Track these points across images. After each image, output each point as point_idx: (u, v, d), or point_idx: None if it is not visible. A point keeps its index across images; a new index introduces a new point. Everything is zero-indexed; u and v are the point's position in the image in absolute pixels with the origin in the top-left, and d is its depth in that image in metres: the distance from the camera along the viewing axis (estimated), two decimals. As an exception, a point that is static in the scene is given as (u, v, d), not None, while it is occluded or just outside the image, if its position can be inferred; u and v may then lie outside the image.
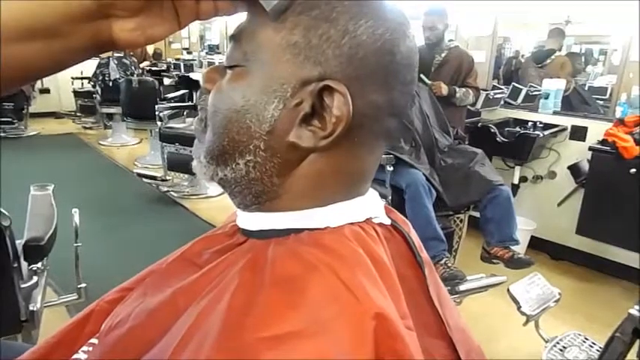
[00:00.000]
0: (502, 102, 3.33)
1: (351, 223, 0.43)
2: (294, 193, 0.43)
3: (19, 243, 1.35)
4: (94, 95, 5.65)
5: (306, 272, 0.38)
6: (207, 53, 6.93)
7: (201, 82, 0.46)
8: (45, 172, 4.21)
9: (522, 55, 5.36)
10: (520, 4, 3.61)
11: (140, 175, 3.89)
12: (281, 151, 0.41)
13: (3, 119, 5.59)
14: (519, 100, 3.33)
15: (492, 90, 3.36)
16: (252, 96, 0.41)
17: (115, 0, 0.37)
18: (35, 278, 1.31)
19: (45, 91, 6.53)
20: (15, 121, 5.72)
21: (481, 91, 2.94)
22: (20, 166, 4.45)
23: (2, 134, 5.70)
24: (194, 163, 0.47)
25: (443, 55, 2.70)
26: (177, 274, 0.47)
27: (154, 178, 3.82)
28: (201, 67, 6.26)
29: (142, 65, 5.53)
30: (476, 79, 2.76)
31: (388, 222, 0.48)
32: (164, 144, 3.79)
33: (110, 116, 5.63)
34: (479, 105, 3.05)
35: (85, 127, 6.40)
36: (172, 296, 0.44)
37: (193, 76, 5.74)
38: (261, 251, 0.42)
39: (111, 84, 5.28)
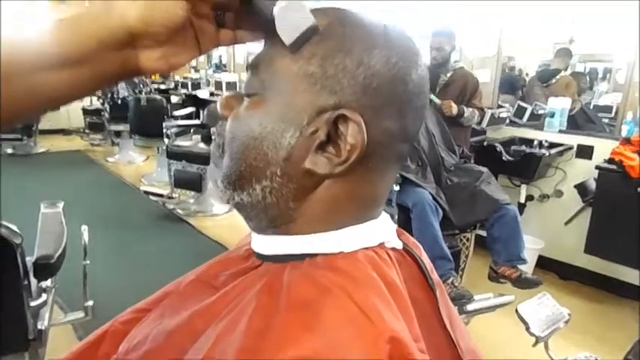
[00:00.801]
0: (507, 120, 3.35)
1: (365, 248, 0.44)
2: (309, 217, 0.44)
3: (29, 260, 1.36)
4: (102, 113, 5.73)
5: (320, 295, 0.39)
6: (213, 71, 7.02)
7: (218, 109, 0.47)
8: (53, 189, 4.24)
9: (527, 74, 5.39)
10: (524, 23, 3.64)
11: (147, 193, 3.92)
12: (297, 177, 0.42)
13: (13, 136, 5.67)
14: (525, 118, 3.35)
15: (498, 108, 3.38)
16: (270, 124, 0.42)
17: (145, 31, 0.39)
18: (44, 296, 1.31)
19: (54, 108, 6.60)
20: (24, 138, 5.80)
21: (486, 110, 2.96)
22: (30, 183, 4.50)
23: (12, 151, 5.78)
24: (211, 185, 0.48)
25: (448, 75, 2.73)
26: (194, 297, 0.48)
27: (160, 195, 3.85)
28: (208, 85, 6.34)
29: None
30: (481, 100, 2.78)
31: (400, 245, 0.48)
32: (171, 161, 3.82)
33: (118, 133, 5.71)
34: (484, 124, 3.06)
35: (93, 144, 6.48)
36: (190, 318, 0.45)
37: (200, 94, 5.82)
38: (277, 275, 0.43)
39: (119, 102, 5.37)
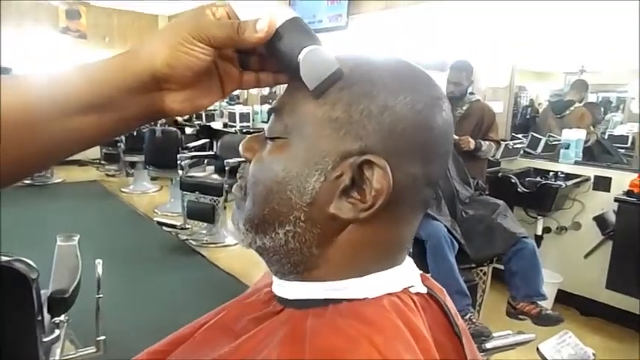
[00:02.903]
0: (521, 152, 3.33)
1: (389, 294, 0.43)
2: (332, 263, 0.43)
3: (44, 293, 1.36)
4: (118, 144, 5.84)
5: (346, 346, 0.37)
6: (227, 103, 7.14)
7: (240, 151, 0.47)
8: (69, 220, 4.28)
9: (539, 104, 5.40)
10: (536, 54, 3.67)
11: (160, 224, 3.94)
12: (321, 222, 0.42)
13: (31, 167, 5.78)
14: (539, 149, 3.33)
15: (511, 140, 3.36)
16: (294, 168, 0.42)
17: (170, 75, 0.40)
18: (57, 332, 1.30)
19: (71, 140, 6.75)
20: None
21: (501, 142, 2.94)
22: (46, 214, 4.57)
23: (30, 181, 5.89)
24: (231, 228, 0.48)
25: (464, 108, 2.74)
26: (213, 343, 0.47)
27: (173, 226, 3.86)
28: (222, 116, 6.44)
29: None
30: (497, 133, 2.77)
31: (424, 290, 0.47)
32: (184, 192, 3.85)
33: (133, 164, 5.79)
34: (498, 155, 3.05)
35: (108, 175, 6.57)
36: None
37: (214, 125, 5.92)
38: (300, 322, 0.41)
39: (135, 133, 5.46)
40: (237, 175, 0.48)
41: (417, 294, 0.46)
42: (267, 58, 0.45)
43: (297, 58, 0.40)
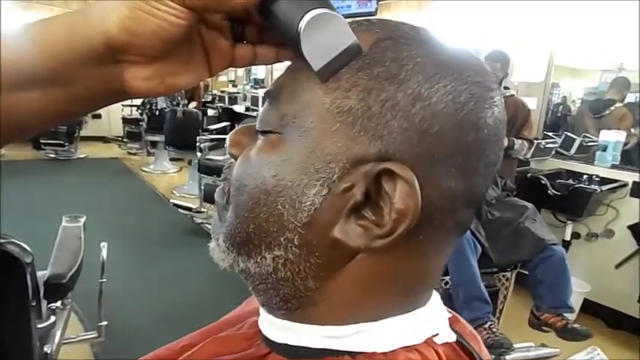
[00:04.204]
0: (553, 152, 3.15)
1: (407, 347, 0.33)
2: (334, 302, 0.33)
3: (43, 274, 1.30)
4: (140, 123, 5.84)
5: None
6: (252, 87, 7.05)
7: (226, 146, 0.37)
8: (86, 196, 4.30)
9: (573, 101, 5.14)
10: (574, 49, 3.47)
11: (176, 206, 3.90)
12: (320, 249, 0.31)
13: (56, 141, 5.87)
14: (572, 150, 3.14)
15: (543, 139, 3.18)
16: (288, 175, 0.31)
17: (129, 43, 0.29)
18: (53, 318, 1.24)
19: (97, 116, 6.82)
20: (66, 143, 6.00)
21: (535, 142, 2.77)
22: (65, 189, 4.61)
23: (54, 155, 5.97)
24: (211, 245, 0.38)
25: None
26: None
27: (189, 209, 3.82)
28: (245, 100, 6.37)
29: (190, 106, 5.69)
30: (531, 131, 2.59)
31: (453, 338, 0.36)
32: (202, 175, 3.80)
33: (154, 144, 5.79)
34: (529, 154, 2.88)
35: (130, 153, 6.61)
36: None
37: (236, 108, 5.86)
38: None
39: (157, 113, 5.45)
40: (221, 176, 0.38)
41: (444, 344, 0.35)
42: (266, 27, 0.35)
43: (298, 28, 0.29)
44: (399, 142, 0.29)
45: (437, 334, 0.35)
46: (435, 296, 0.37)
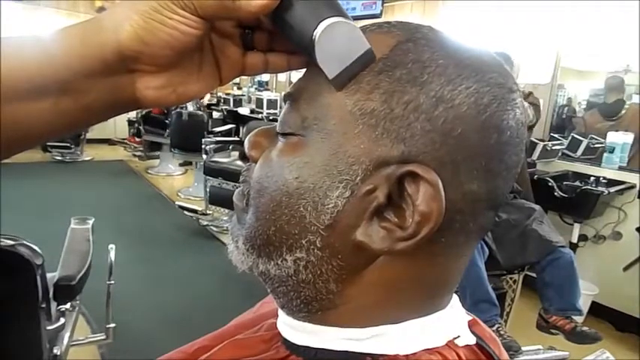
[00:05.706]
0: (559, 153, 3.13)
1: (428, 349, 0.33)
2: (355, 305, 0.33)
3: (53, 276, 1.30)
4: (136, 124, 5.85)
5: None
6: (256, 89, 7.06)
7: (245, 148, 0.37)
8: (92, 198, 4.32)
9: (579, 103, 5.12)
10: (580, 51, 3.45)
11: (181, 208, 3.91)
12: (343, 252, 0.31)
13: (62, 144, 5.90)
14: (579, 152, 3.13)
15: (550, 140, 3.17)
16: (310, 177, 0.31)
17: (142, 53, 0.30)
18: (62, 320, 1.25)
19: (102, 118, 6.84)
20: (72, 146, 6.03)
21: (538, 142, 2.77)
22: (71, 191, 4.62)
23: (60, 158, 6.00)
24: (230, 247, 0.38)
25: None
26: None
27: (194, 211, 3.82)
28: (249, 102, 6.38)
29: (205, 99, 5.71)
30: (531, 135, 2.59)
31: (473, 340, 0.36)
32: (207, 177, 3.80)
33: (158, 146, 5.80)
34: (535, 156, 2.87)
35: (135, 155, 6.63)
36: None
37: (241, 110, 5.87)
38: None
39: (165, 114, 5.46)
40: (240, 178, 0.38)
41: (465, 346, 0.35)
42: (278, 34, 0.35)
43: (313, 36, 0.29)
44: (421, 145, 0.29)
45: (458, 337, 0.35)
46: (455, 299, 0.37)
